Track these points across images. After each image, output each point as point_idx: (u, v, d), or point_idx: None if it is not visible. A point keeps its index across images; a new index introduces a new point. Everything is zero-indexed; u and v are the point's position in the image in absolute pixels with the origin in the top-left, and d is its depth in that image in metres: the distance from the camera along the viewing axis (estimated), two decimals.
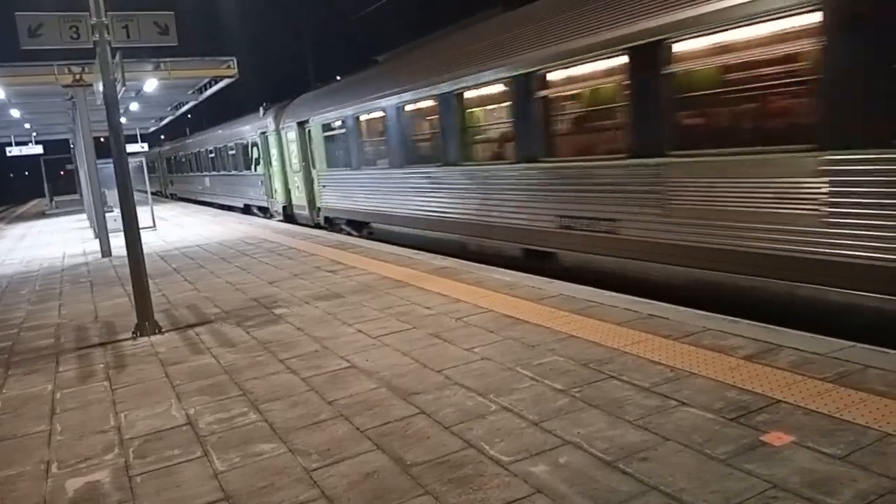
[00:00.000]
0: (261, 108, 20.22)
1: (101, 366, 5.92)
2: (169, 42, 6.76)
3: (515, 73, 8.71)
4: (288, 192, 18.79)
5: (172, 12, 6.72)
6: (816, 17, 5.27)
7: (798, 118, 5.75)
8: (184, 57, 14.68)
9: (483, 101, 9.93)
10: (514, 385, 4.44)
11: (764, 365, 4.36)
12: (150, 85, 15.62)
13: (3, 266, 13.96)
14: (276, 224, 17.65)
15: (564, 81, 8.21)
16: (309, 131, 16.38)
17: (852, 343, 4.61)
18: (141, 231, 18.07)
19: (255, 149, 21.01)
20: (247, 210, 23.52)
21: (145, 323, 6.80)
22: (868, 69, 4.99)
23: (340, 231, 15.41)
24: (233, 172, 24.44)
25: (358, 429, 3.97)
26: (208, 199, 29.48)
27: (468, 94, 10.01)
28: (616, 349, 4.96)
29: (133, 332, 6.82)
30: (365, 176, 13.60)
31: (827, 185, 5.33)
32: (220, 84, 16.30)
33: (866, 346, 4.55)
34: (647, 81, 6.78)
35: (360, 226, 14.54)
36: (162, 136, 52.05)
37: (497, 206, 9.57)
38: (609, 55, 7.25)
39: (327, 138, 15.32)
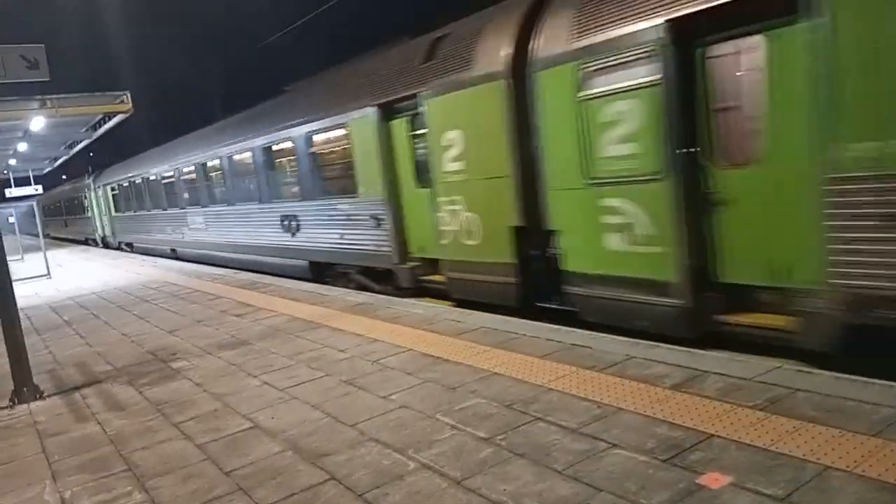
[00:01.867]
0: (86, 175, 30.94)
1: None
2: (40, 77, 6.12)
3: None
4: (104, 227, 29.19)
5: (42, 45, 6.10)
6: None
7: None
8: (75, 93, 13.77)
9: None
10: (434, 436, 4.07)
11: (692, 394, 4.16)
12: (38, 124, 14.55)
13: None
14: (180, 265, 16.77)
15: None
16: (108, 191, 27.27)
17: (778, 364, 4.50)
18: (33, 280, 16.67)
19: (86, 200, 31.06)
20: (86, 242, 32.83)
21: (23, 389, 6.05)
22: None
23: (123, 248, 26.35)
24: (78, 216, 34.43)
25: None
26: (66, 237, 38.14)
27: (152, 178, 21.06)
28: (540, 386, 4.68)
29: (10, 400, 6.07)
30: (126, 217, 25.22)
31: None
32: (115, 120, 15.33)
33: (792, 366, 4.44)
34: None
35: (131, 245, 25.38)
36: (63, 177, 49.31)
37: (158, 231, 21.20)
38: None
39: (114, 196, 26.62)
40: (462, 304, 8.08)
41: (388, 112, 9.04)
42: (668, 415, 3.91)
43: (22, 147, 19.62)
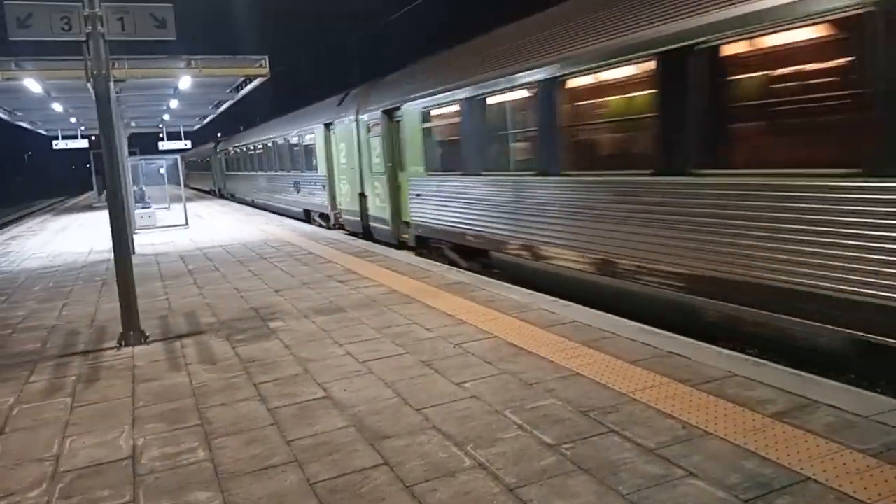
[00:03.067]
0: (212, 143, 42.14)
1: (73, 378, 5.55)
2: (166, 36, 6.37)
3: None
4: (219, 182, 39.45)
5: (171, 5, 6.34)
6: None
7: None
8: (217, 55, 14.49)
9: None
10: (498, 434, 3.85)
11: (794, 427, 3.67)
12: (185, 82, 15.48)
13: (30, 260, 13.95)
14: (303, 227, 17.40)
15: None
16: (222, 155, 37.45)
17: None
18: (172, 229, 17.91)
19: (210, 161, 42.05)
20: (210, 192, 42.81)
21: (130, 332, 6.43)
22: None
23: (228, 198, 35.40)
24: (205, 172, 45.42)
25: (308, 480, 3.45)
26: (197, 187, 48.62)
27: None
28: (624, 394, 4.33)
29: (118, 342, 6.46)
30: (230, 175, 35.49)
31: None
32: (255, 83, 16.07)
33: None
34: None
35: (233, 195, 34.14)
36: (219, 134, 53.52)
37: (244, 187, 31.59)
38: None
39: (225, 159, 36.45)
40: (351, 233, 15.65)
41: (328, 128, 17.30)
42: (762, 447, 3.47)
43: (173, 104, 21.04)
